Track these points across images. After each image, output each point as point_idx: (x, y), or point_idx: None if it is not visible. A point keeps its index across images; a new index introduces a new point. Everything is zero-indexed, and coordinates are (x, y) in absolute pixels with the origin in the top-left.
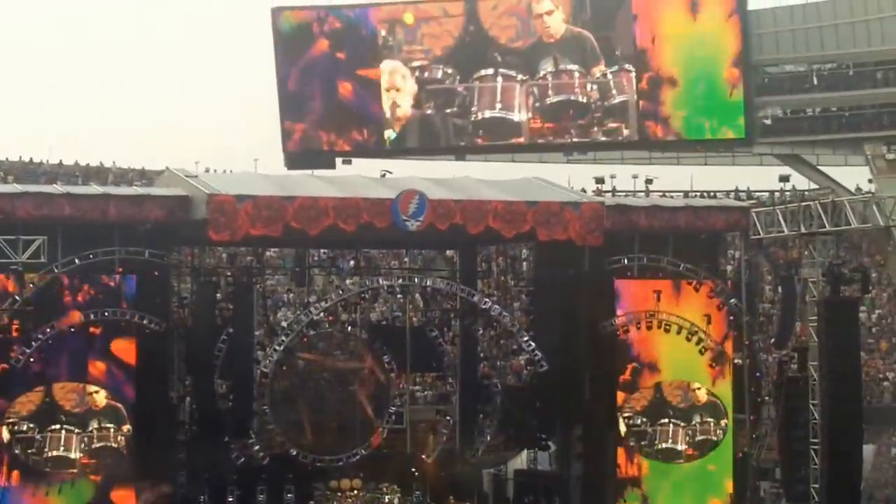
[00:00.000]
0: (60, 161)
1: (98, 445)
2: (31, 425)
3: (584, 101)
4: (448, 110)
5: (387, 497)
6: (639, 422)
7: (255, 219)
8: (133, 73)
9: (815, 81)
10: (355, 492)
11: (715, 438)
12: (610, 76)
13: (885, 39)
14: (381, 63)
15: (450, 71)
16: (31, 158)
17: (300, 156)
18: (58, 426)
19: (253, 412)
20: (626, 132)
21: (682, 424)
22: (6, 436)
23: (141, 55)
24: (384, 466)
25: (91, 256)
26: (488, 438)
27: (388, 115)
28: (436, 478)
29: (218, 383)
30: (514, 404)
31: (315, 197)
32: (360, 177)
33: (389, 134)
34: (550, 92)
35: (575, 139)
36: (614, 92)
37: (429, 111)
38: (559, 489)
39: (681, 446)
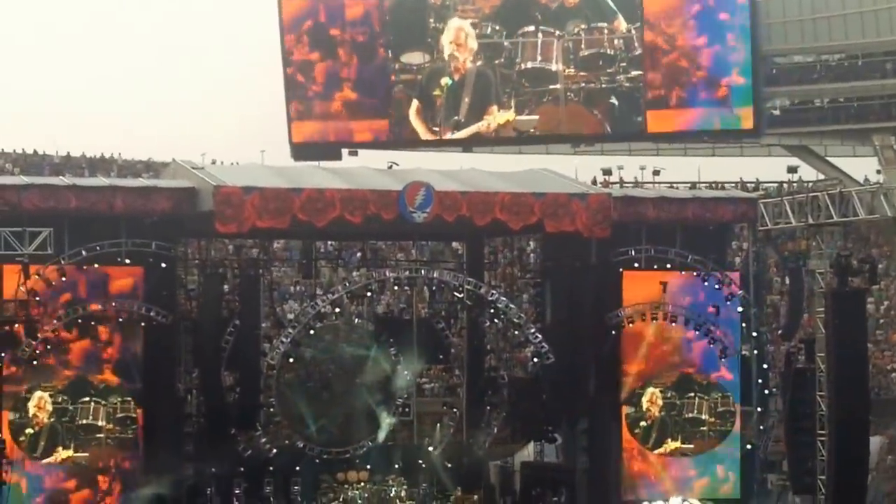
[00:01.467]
0: (67, 153)
1: (120, 415)
2: (65, 397)
3: (612, 53)
4: (497, 62)
5: (393, 489)
6: (669, 395)
7: (261, 211)
8: (140, 64)
9: (824, 72)
10: (362, 484)
11: (733, 409)
12: (633, 31)
13: (893, 30)
14: (448, 21)
15: (497, 28)
16: (36, 150)
17: (307, 147)
18: (87, 398)
19: (260, 404)
20: (650, 77)
21: (706, 398)
22: (49, 407)
23: (147, 46)
24: (391, 458)
25: (97, 248)
26: (495, 430)
27: (449, 65)
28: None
29: (225, 375)
30: (521, 396)
31: (322, 189)
32: (367, 168)
33: (446, 80)
34: (583, 45)
35: (603, 85)
36: (636, 45)
37: (479, 63)
38: (566, 481)
39: (705, 416)
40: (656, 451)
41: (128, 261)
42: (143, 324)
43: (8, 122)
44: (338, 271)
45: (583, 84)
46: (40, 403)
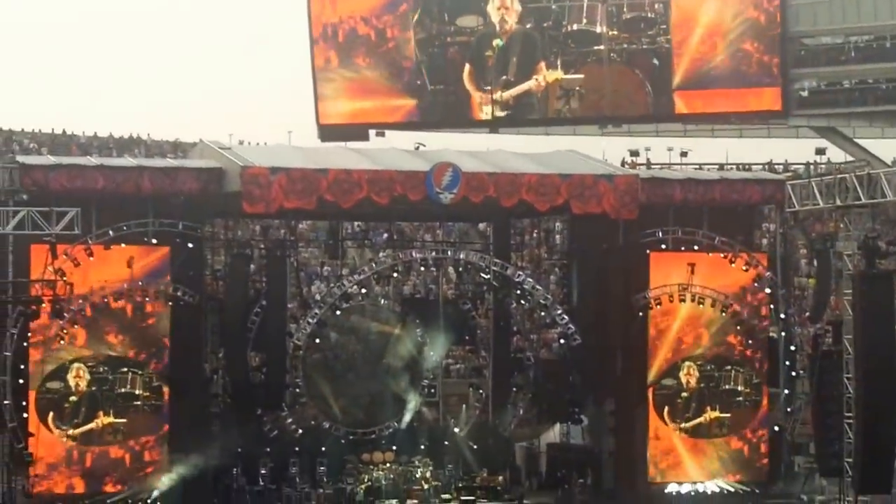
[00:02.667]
0: (94, 133)
1: (156, 384)
2: (105, 368)
3: (652, 16)
4: (544, 24)
5: (419, 470)
6: (707, 368)
7: (288, 191)
8: (167, 45)
9: (852, 53)
10: (387, 464)
11: (762, 381)
12: None
13: None
14: None
15: None
16: (64, 130)
17: (334, 128)
18: (125, 369)
19: (286, 385)
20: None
21: (741, 370)
22: (87, 376)
23: (175, 26)
24: (416, 439)
25: (125, 228)
26: (521, 412)
27: (497, 28)
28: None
29: (251, 356)
30: (547, 378)
31: (349, 170)
32: (394, 149)
33: (498, 41)
34: (625, 9)
35: (644, 46)
36: (673, 9)
37: (528, 25)
38: (592, 463)
39: (741, 387)
40: (695, 421)
41: (155, 241)
42: (169, 304)
43: (36, 102)
44: (364, 252)
45: (625, 45)
46: (79, 374)
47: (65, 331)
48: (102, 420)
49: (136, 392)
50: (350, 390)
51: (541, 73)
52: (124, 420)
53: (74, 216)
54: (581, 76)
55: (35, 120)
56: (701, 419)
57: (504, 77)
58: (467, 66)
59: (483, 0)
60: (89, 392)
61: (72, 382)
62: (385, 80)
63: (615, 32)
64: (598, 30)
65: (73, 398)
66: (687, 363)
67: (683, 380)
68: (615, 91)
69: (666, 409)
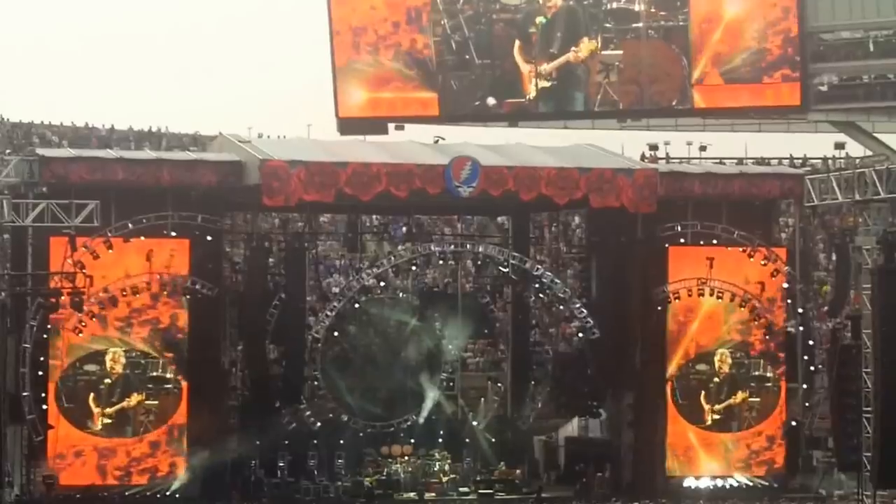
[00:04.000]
0: (113, 126)
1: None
2: (138, 352)
3: None
4: (585, 2)
5: (437, 463)
6: (738, 355)
7: (307, 184)
8: (187, 38)
9: (872, 48)
10: (406, 458)
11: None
12: None
13: None
14: None
15: None
16: (85, 123)
17: (353, 121)
18: (156, 354)
19: (304, 378)
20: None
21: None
22: (124, 360)
23: (194, 19)
24: (434, 432)
25: (144, 221)
26: (539, 405)
27: (542, 5)
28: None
29: (269, 348)
30: (566, 371)
31: (368, 163)
32: (413, 142)
33: (541, 19)
34: None
35: (681, 23)
36: (692, 7)
37: (571, 2)
38: (610, 457)
39: (770, 374)
40: (726, 403)
41: (174, 233)
42: (188, 296)
43: (56, 94)
44: (383, 245)
45: (662, 22)
46: (115, 357)
47: (83, 323)
48: (135, 399)
49: (168, 376)
50: (368, 383)
51: (581, 45)
52: (156, 402)
53: (94, 209)
54: (620, 52)
55: (55, 112)
56: (732, 399)
57: (551, 51)
58: (517, 42)
59: None
60: (124, 374)
61: (108, 365)
62: (405, 73)
63: (653, 10)
64: (637, 7)
65: (107, 381)
66: (721, 350)
67: (717, 365)
68: (652, 65)
69: (702, 393)
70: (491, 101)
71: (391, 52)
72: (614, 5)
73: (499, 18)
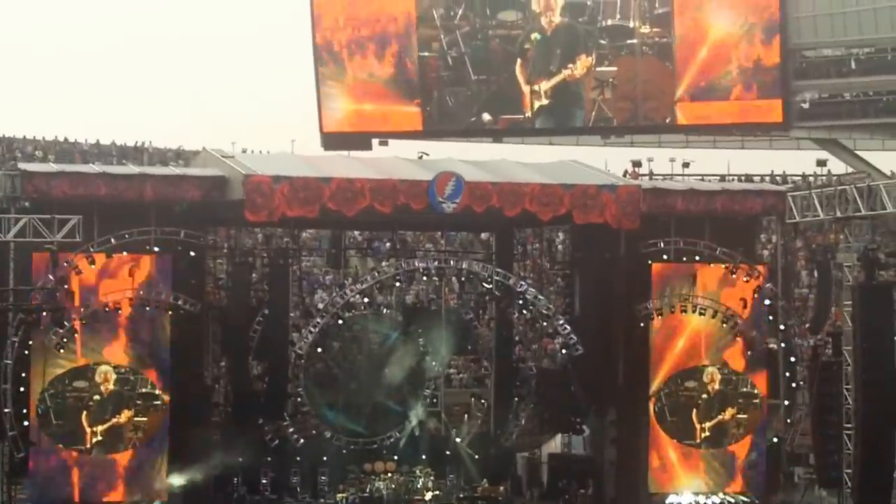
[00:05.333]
0: (97, 140)
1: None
2: (127, 369)
3: None
4: (580, 19)
5: (420, 480)
6: (726, 371)
7: (291, 200)
8: (170, 53)
9: (853, 66)
10: (389, 474)
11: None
12: None
13: None
14: None
15: None
16: (67, 138)
17: (337, 137)
18: (139, 369)
19: (287, 394)
20: None
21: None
22: (114, 376)
23: (179, 35)
24: (418, 449)
25: (126, 236)
26: (523, 422)
27: (540, 22)
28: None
29: (252, 365)
30: (549, 388)
31: (351, 178)
32: (397, 158)
33: (536, 35)
34: (657, 4)
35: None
36: (677, 27)
37: (566, 19)
38: (593, 473)
39: (757, 390)
40: (717, 420)
41: (156, 249)
42: (171, 312)
43: (39, 109)
44: (367, 261)
45: (657, 39)
46: (105, 374)
47: (65, 339)
48: (125, 415)
49: (156, 392)
50: (352, 400)
51: (578, 62)
52: (144, 418)
53: (76, 224)
54: (615, 69)
55: (38, 127)
56: (722, 416)
57: (550, 68)
58: (518, 61)
59: None
60: (115, 391)
61: (98, 382)
62: (389, 88)
63: (647, 28)
64: (632, 24)
65: (97, 397)
66: (710, 368)
67: (707, 381)
68: (647, 81)
69: (694, 410)
70: (486, 116)
71: (375, 66)
72: (609, 22)
73: (495, 35)
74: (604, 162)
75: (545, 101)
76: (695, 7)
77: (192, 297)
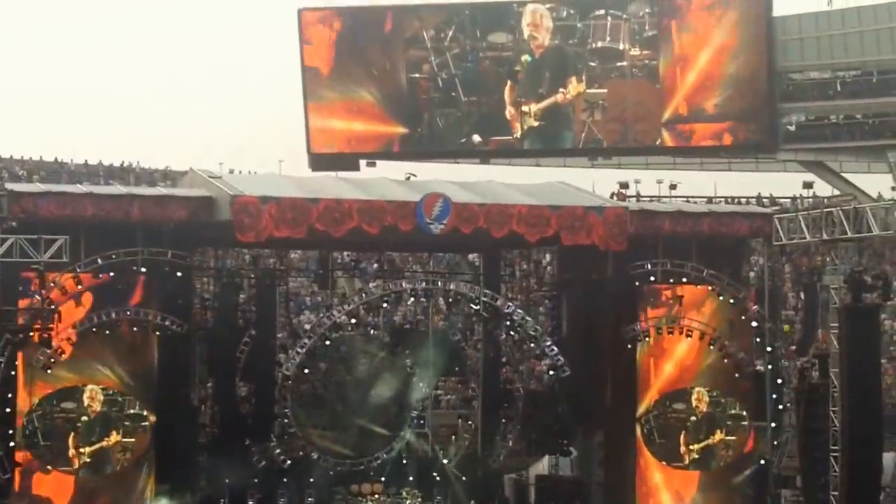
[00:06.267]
0: (84, 161)
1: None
2: (114, 390)
3: None
4: (570, 41)
5: (408, 501)
6: (714, 394)
7: (279, 220)
8: (158, 73)
9: (839, 88)
10: (376, 496)
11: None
12: None
13: None
14: (525, 6)
15: (572, 11)
16: (55, 158)
17: (325, 158)
18: (126, 390)
19: (274, 415)
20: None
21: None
22: (102, 397)
23: (166, 55)
24: (405, 471)
25: (114, 257)
26: (510, 443)
27: (529, 44)
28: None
29: (239, 386)
30: (537, 409)
31: (339, 199)
32: (385, 179)
33: (526, 57)
34: (647, 27)
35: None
36: (662, 56)
37: (556, 41)
38: (581, 495)
39: (745, 412)
40: (705, 443)
41: (143, 269)
42: (157, 333)
43: (26, 129)
44: (354, 282)
45: (646, 61)
46: (93, 395)
47: (53, 360)
48: (114, 437)
49: (144, 413)
50: (339, 421)
51: (569, 87)
52: (132, 440)
53: (63, 244)
54: (605, 91)
55: (25, 147)
56: (710, 440)
57: (540, 91)
58: (508, 83)
59: (514, 18)
60: (103, 413)
61: (86, 403)
62: (378, 109)
63: (637, 50)
64: (621, 47)
65: (84, 418)
66: (698, 388)
67: (694, 403)
68: (637, 103)
69: (682, 432)
70: (476, 138)
71: (363, 88)
72: (599, 44)
73: (485, 56)
74: (591, 183)
75: (534, 123)
76: (684, 29)
77: (178, 317)
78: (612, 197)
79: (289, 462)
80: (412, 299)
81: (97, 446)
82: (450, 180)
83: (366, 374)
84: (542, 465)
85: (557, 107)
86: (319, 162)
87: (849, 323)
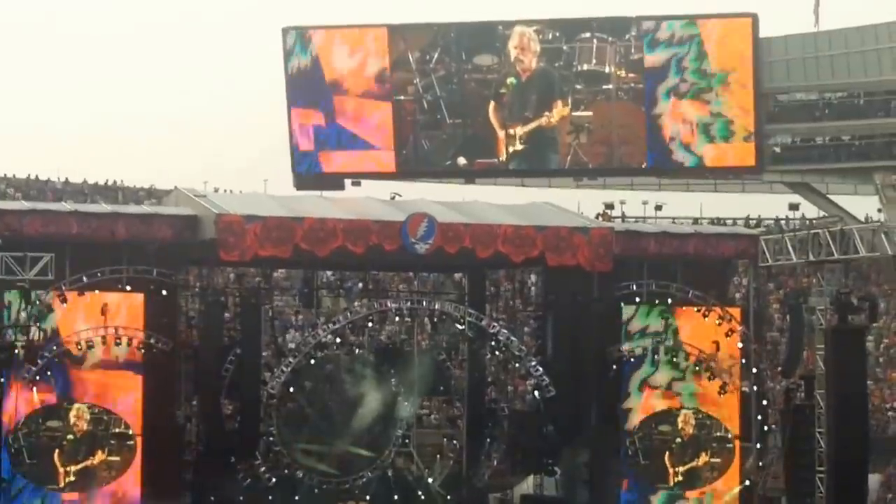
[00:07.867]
0: (68, 179)
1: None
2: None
3: None
4: (556, 64)
5: None
6: (700, 415)
7: (263, 239)
8: (143, 92)
9: (826, 110)
10: None
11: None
12: None
13: (895, 68)
14: (512, 28)
15: (558, 34)
16: (38, 176)
17: (310, 177)
18: (112, 408)
19: (259, 433)
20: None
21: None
22: (88, 415)
23: (151, 74)
24: (390, 490)
25: (98, 274)
26: (495, 463)
27: (516, 67)
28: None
29: (224, 404)
30: (521, 429)
31: (324, 218)
32: (370, 199)
33: (512, 80)
34: (633, 50)
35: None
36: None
37: (542, 64)
38: None
39: (730, 434)
40: (690, 465)
41: (129, 287)
42: (143, 351)
43: (11, 147)
44: (339, 301)
45: (632, 84)
46: (79, 413)
47: (38, 377)
48: (99, 457)
49: (130, 432)
50: (324, 440)
51: (553, 111)
52: (118, 458)
53: (48, 262)
54: (590, 114)
55: (9, 165)
56: (695, 463)
57: (525, 114)
58: (492, 104)
59: (500, 40)
60: (89, 431)
61: (72, 421)
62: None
63: (623, 73)
64: (607, 69)
65: (70, 437)
66: (685, 411)
67: (680, 426)
68: (623, 126)
69: (667, 454)
70: (462, 160)
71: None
72: (585, 67)
73: (470, 78)
74: (576, 204)
75: (520, 147)
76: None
77: (164, 335)
78: (597, 218)
79: (274, 480)
80: (397, 319)
81: (83, 465)
82: (435, 200)
83: (351, 394)
84: (527, 485)
85: (542, 130)
86: (304, 181)
87: (835, 344)
